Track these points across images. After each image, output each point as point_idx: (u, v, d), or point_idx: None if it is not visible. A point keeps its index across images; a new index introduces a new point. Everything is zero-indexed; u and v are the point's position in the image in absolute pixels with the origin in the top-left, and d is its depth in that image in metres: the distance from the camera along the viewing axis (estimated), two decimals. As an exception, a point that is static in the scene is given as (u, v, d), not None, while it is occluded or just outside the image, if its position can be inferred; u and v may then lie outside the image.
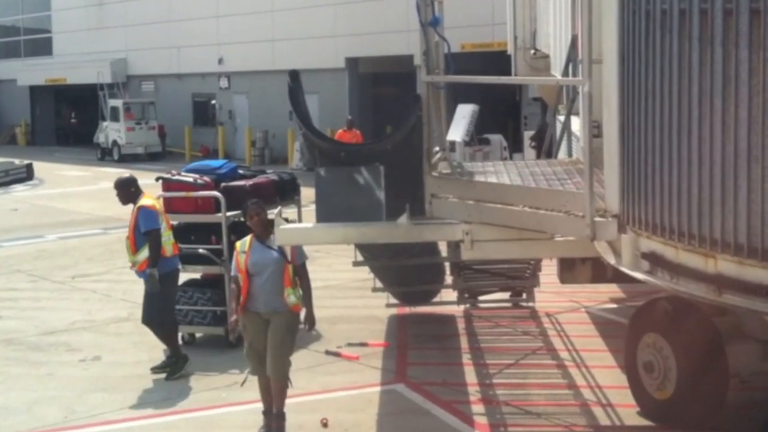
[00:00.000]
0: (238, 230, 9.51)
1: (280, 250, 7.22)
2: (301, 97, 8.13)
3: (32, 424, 7.85)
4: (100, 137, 35.94)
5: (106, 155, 35.37)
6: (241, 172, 10.49)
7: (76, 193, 19.55)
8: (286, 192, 10.60)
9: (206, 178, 9.76)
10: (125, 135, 34.70)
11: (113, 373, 9.20)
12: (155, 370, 9.00)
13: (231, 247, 9.29)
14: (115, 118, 35.24)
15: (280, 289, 7.21)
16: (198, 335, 10.11)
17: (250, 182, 10.02)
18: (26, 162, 29.71)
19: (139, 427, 7.75)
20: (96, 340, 9.82)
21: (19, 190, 26.51)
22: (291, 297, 7.27)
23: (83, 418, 7.97)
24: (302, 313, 7.40)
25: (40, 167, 30.23)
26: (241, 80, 34.95)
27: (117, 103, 35.44)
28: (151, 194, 9.28)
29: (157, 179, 9.98)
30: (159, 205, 9.11)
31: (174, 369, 8.95)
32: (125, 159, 33.92)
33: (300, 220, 10.35)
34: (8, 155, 33.79)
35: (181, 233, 9.68)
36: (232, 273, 7.43)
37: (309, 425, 7.54)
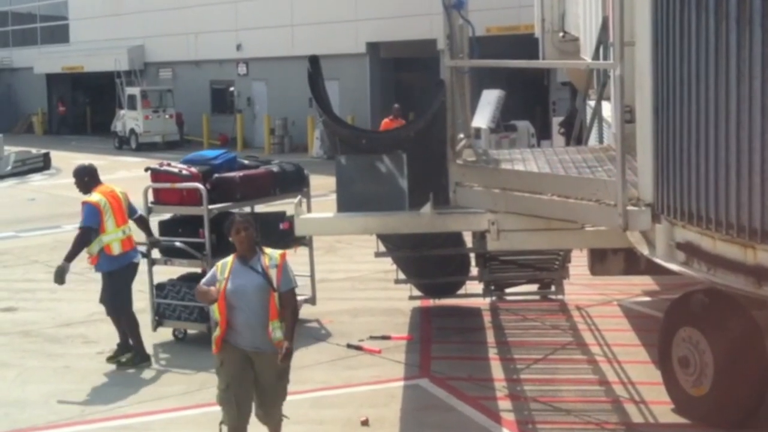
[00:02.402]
0: (218, 226, 9.37)
1: (264, 273, 6.12)
2: (321, 83, 8.08)
3: (49, 417, 7.87)
4: (118, 126, 36.12)
5: (124, 144, 35.53)
6: (246, 162, 10.33)
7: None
8: (288, 184, 10.23)
9: (193, 170, 9.60)
10: (143, 123, 34.83)
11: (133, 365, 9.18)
12: (111, 359, 9.04)
13: (217, 240, 9.29)
14: (132, 106, 35.39)
15: (264, 322, 6.09)
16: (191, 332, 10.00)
17: (240, 174, 9.80)
18: (43, 151, 29.94)
19: (158, 421, 7.74)
20: (113, 332, 9.80)
21: (36, 180, 26.69)
22: (277, 332, 6.10)
23: (101, 411, 7.98)
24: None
25: (56, 156, 30.43)
26: (260, 66, 34.98)
27: (134, 90, 35.59)
28: (112, 186, 9.24)
29: (146, 170, 9.96)
30: (111, 199, 8.97)
31: (130, 360, 9.00)
32: (143, 148, 34.06)
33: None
34: (25, 144, 34.07)
35: (169, 226, 9.69)
36: (203, 284, 6.34)
37: (330, 421, 7.49)
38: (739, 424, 6.80)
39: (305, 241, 10.36)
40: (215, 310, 6.21)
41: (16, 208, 20.44)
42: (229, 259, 6.29)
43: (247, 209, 10.19)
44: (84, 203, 8.90)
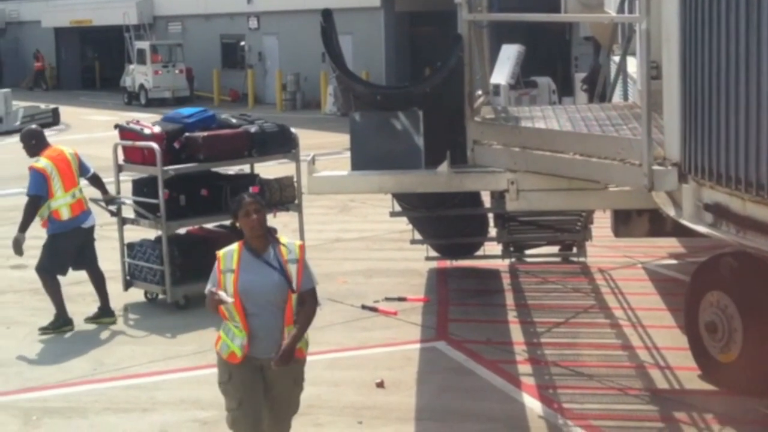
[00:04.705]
0: (187, 188, 9.54)
1: (282, 269, 5.26)
2: (335, 37, 7.99)
3: (60, 376, 7.93)
4: (127, 81, 36.03)
5: (133, 100, 35.47)
6: (233, 122, 10.12)
7: (103, 139, 19.59)
8: (268, 146, 9.97)
9: (156, 129, 9.51)
10: (152, 78, 34.72)
11: (142, 325, 9.25)
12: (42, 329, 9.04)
13: (171, 203, 9.33)
14: (141, 60, 35.25)
15: (281, 326, 5.27)
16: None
17: (204, 133, 9.61)
18: (52, 106, 29.96)
19: (169, 380, 7.79)
20: (124, 292, 9.87)
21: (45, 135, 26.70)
22: None
23: (112, 370, 8.04)
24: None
25: (65, 112, 30.44)
26: (272, 20, 34.72)
27: (144, 45, 35.43)
28: (60, 147, 9.22)
29: (115, 127, 9.96)
30: (58, 162, 8.92)
31: (52, 324, 9.01)
32: (152, 103, 33.97)
33: (299, 179, 10.13)
34: (33, 99, 34.06)
35: (138, 185, 9.74)
36: (210, 287, 5.31)
37: (344, 383, 7.50)
38: None
39: (287, 207, 10.14)
40: (233, 312, 5.28)
41: (24, 164, 20.42)
42: (234, 248, 5.33)
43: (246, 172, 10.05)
44: (30, 169, 8.89)
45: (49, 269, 9.03)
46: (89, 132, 26.33)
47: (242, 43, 36.34)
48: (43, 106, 29.95)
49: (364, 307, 9.52)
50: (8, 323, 9.40)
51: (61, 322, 9.05)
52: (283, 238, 5.41)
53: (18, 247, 8.84)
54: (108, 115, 30.49)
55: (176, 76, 35.21)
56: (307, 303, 5.33)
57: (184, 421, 6.94)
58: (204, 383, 7.53)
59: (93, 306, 9.36)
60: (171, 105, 33.06)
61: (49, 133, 26.72)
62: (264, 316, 5.24)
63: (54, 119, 29.15)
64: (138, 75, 35.26)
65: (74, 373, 7.98)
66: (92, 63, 45.99)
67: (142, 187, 9.77)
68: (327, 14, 8.05)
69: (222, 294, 5.17)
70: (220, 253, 5.33)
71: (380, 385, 7.42)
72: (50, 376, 7.93)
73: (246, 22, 35.82)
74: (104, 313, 9.30)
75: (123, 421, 7.00)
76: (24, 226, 8.82)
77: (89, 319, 9.25)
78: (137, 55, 35.39)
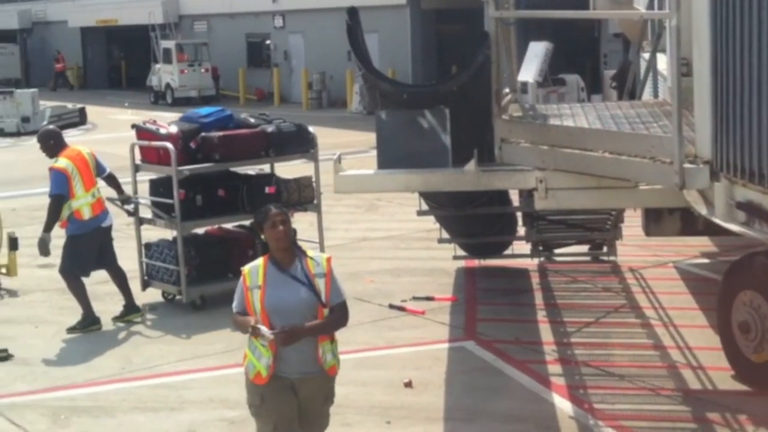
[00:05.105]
0: (204, 188, 9.56)
1: (311, 284, 5.10)
2: (360, 35, 8.00)
3: (88, 375, 8.01)
4: (153, 80, 36.25)
5: (160, 99, 35.68)
6: (252, 120, 10.12)
7: (129, 138, 19.85)
8: (285, 146, 9.96)
9: (172, 129, 9.55)
10: (178, 78, 34.91)
11: (170, 323, 9.30)
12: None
13: (187, 203, 9.36)
14: (167, 60, 35.46)
15: (314, 344, 5.12)
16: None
17: (220, 133, 9.62)
18: (79, 106, 30.22)
19: (197, 379, 7.83)
20: (152, 290, 9.94)
21: (72, 135, 26.87)
22: (327, 355, 5.18)
23: (140, 369, 8.10)
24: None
25: (92, 111, 30.68)
26: (297, 19, 34.79)
27: (169, 44, 35.63)
28: (78, 147, 9.29)
29: (132, 126, 10.01)
30: (78, 162, 8.99)
31: (80, 324, 9.08)
32: (178, 102, 34.15)
33: (318, 179, 10.13)
34: (60, 99, 34.35)
35: (156, 185, 9.79)
36: (234, 309, 5.24)
37: (372, 382, 7.52)
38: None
39: (305, 207, 10.08)
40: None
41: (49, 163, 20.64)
42: (259, 264, 5.18)
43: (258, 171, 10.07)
44: (51, 169, 8.95)
45: (72, 271, 9.12)
46: (116, 131, 26.53)
47: (268, 42, 36.45)
48: (70, 105, 30.24)
49: (391, 306, 9.52)
50: (36, 322, 9.49)
51: (89, 321, 9.13)
52: (310, 251, 5.29)
53: (44, 247, 8.93)
54: (134, 115, 30.71)
55: (202, 75, 35.38)
56: (336, 312, 5.18)
57: (212, 420, 6.98)
58: (232, 382, 7.56)
59: (120, 304, 9.42)
60: (197, 104, 33.18)
61: (76, 133, 27.24)
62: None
63: (81, 119, 29.43)
64: (164, 74, 35.47)
65: (102, 372, 8.05)
66: (118, 62, 46.35)
67: (158, 187, 9.81)
68: (353, 12, 8.06)
69: (264, 330, 4.97)
70: (246, 269, 5.20)
71: (408, 384, 7.42)
72: (78, 375, 8.00)
73: (271, 20, 35.93)
74: (130, 310, 9.36)
75: (151, 420, 7.05)
76: (49, 226, 8.90)
77: (117, 319, 9.33)
78: (163, 54, 35.61)
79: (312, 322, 5.08)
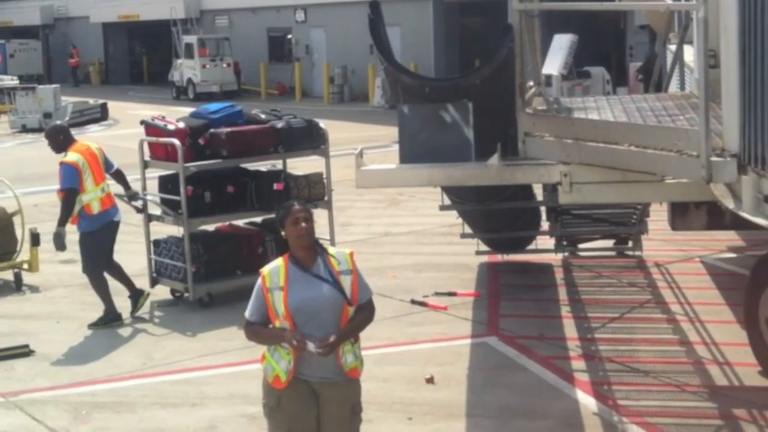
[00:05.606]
0: (213, 184, 9.54)
1: (336, 282, 4.91)
2: (383, 29, 7.98)
3: (110, 370, 8.06)
4: (175, 75, 36.44)
5: (181, 94, 35.85)
6: (263, 116, 10.07)
7: (150, 135, 20.10)
8: (295, 142, 9.87)
9: (179, 125, 9.54)
10: (200, 73, 35.06)
11: (191, 319, 9.34)
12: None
13: (195, 200, 9.35)
14: (189, 55, 35.63)
15: None
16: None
17: (227, 129, 9.56)
18: (100, 101, 30.39)
19: (218, 375, 7.86)
20: (161, 287, 9.98)
21: (93, 131, 27.12)
22: (348, 356, 4.95)
23: (161, 365, 8.15)
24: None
25: (114, 107, 30.86)
26: (319, 13, 34.85)
27: (191, 39, 35.80)
28: (87, 143, 9.33)
29: (141, 122, 10.03)
30: (88, 157, 9.04)
31: (101, 320, 9.14)
32: (200, 98, 34.25)
33: (329, 175, 10.10)
34: (82, 94, 34.58)
35: (164, 182, 9.79)
36: (249, 317, 5.01)
37: (394, 378, 7.52)
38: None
39: (315, 204, 9.83)
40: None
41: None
42: (280, 264, 4.96)
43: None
44: (61, 164, 8.98)
45: (93, 268, 9.17)
46: (137, 127, 26.68)
47: (289, 36, 36.55)
48: (91, 101, 30.41)
49: (413, 301, 9.52)
50: (58, 318, 9.56)
51: (111, 317, 9.18)
52: (331, 248, 5.11)
53: (60, 241, 8.95)
54: (156, 110, 30.83)
55: (224, 70, 35.53)
56: (365, 310, 5.02)
57: (232, 416, 7.00)
58: (253, 378, 7.56)
59: (128, 302, 9.43)
60: (219, 99, 33.34)
61: (98, 129, 27.40)
62: (318, 333, 4.83)
63: (102, 114, 29.59)
64: (186, 69, 35.65)
65: (123, 368, 8.10)
66: (140, 58, 46.62)
67: (167, 183, 9.83)
68: (375, 6, 8.04)
69: (311, 346, 4.74)
70: (265, 270, 4.96)
71: (430, 380, 7.42)
72: (99, 371, 8.05)
73: (293, 14, 36.01)
74: (137, 296, 9.41)
75: (172, 415, 7.08)
76: (63, 221, 8.94)
77: (132, 313, 9.37)
78: (185, 49, 35.79)
79: (347, 326, 4.91)
